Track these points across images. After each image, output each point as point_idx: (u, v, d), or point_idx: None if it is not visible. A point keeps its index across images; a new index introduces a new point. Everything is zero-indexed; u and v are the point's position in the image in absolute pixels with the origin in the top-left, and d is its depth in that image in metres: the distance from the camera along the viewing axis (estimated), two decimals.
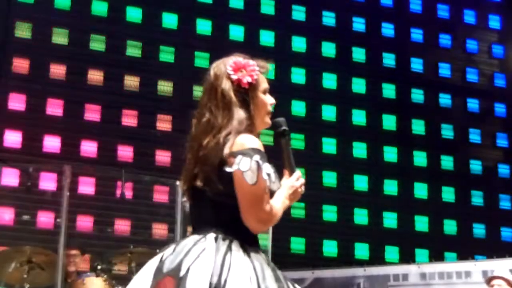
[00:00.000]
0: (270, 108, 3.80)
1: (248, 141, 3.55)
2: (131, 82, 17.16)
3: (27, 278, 8.71)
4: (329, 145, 19.16)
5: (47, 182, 12.79)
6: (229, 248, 3.42)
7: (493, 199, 19.93)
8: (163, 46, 17.65)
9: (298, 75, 19.05)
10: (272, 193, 3.59)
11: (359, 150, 19.36)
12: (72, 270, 9.83)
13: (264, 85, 3.79)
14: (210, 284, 3.30)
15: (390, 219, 18.96)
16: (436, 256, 18.02)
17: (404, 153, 19.65)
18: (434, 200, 19.45)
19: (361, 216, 18.79)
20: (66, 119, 16.28)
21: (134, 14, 17.59)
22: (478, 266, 12.53)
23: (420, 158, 19.75)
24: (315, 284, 13.12)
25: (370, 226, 18.77)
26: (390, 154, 19.57)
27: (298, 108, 18.90)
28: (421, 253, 18.20)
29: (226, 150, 3.55)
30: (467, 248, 18.15)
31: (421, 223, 19.16)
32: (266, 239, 11.95)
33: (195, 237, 3.57)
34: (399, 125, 19.80)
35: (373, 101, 19.68)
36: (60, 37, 16.96)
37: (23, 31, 16.42)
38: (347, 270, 13.61)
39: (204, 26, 18.28)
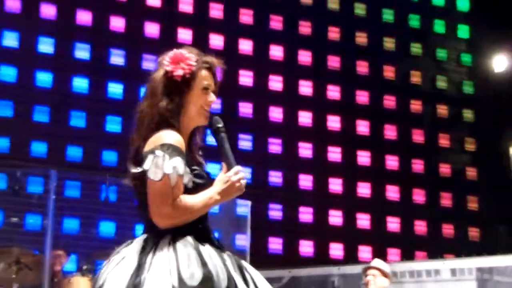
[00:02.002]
0: (206, 106, 3.58)
1: (163, 136, 3.42)
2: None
3: (16, 278, 8.72)
4: (305, 150, 19.29)
5: (34, 185, 12.82)
6: (155, 246, 3.36)
7: (461, 201, 20.11)
8: (113, 49, 17.65)
9: (275, 82, 19.14)
10: (196, 187, 3.43)
11: (334, 154, 19.49)
12: (58, 269, 9.85)
13: (205, 82, 3.59)
14: (128, 286, 3.26)
15: (363, 220, 19.10)
16: (407, 255, 18.27)
17: (376, 157, 19.81)
18: (405, 202, 19.61)
19: (336, 218, 18.93)
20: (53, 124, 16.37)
21: (84, 17, 17.52)
22: (446, 265, 12.59)
23: (392, 162, 19.91)
24: (292, 282, 13.16)
25: (344, 227, 18.91)
26: (364, 158, 19.72)
27: (276, 114, 19.03)
28: (393, 252, 18.36)
29: (142, 147, 3.45)
30: (436, 248, 18.31)
31: (393, 224, 19.32)
32: (244, 240, 12.02)
33: (127, 243, 3.50)
34: (372, 130, 19.96)
35: (348, 107, 19.83)
36: (10, 40, 17.03)
37: None
38: (323, 269, 13.65)
39: (152, 29, 18.28)
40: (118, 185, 12.03)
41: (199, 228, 3.50)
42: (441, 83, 21.14)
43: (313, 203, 18.78)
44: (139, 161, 3.43)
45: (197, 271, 3.30)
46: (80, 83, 17.09)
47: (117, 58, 17.60)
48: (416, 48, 21.10)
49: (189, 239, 3.41)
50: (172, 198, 3.36)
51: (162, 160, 3.35)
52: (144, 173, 3.37)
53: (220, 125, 3.60)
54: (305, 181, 18.94)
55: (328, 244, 18.53)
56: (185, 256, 3.34)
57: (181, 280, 3.27)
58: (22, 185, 11.60)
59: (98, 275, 3.44)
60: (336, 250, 18.55)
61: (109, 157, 16.70)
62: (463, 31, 21.73)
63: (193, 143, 3.67)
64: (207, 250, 3.42)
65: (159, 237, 3.42)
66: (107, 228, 14.18)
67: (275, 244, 18.04)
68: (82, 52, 17.31)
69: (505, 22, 19.37)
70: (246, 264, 3.56)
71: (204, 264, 3.34)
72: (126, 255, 3.43)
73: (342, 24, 20.39)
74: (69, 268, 10.62)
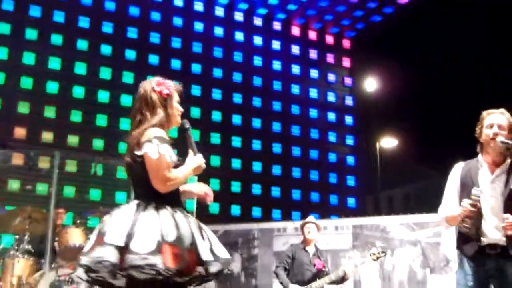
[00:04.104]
0: (180, 113, 3.86)
1: (153, 132, 3.62)
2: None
3: (28, 229, 8.54)
4: (236, 142, 19.22)
5: (44, 163, 12.54)
6: (145, 208, 3.50)
7: (343, 179, 20.28)
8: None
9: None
10: (175, 166, 3.64)
11: (257, 145, 19.47)
12: (59, 223, 9.67)
13: (176, 97, 3.86)
14: (126, 234, 3.38)
15: (275, 192, 19.13)
16: (304, 216, 18.21)
17: (285, 148, 19.86)
18: (305, 179, 19.71)
19: (256, 189, 18.91)
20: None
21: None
22: (332, 223, 12.68)
23: (296, 152, 19.96)
24: (225, 234, 13.09)
25: (262, 196, 18.91)
26: (277, 148, 19.73)
27: (216, 116, 18.88)
28: (296, 214, 18.38)
29: (140, 139, 3.63)
30: (325, 211, 18.48)
31: (297, 194, 19.38)
32: (192, 204, 11.93)
33: (125, 204, 3.66)
34: (282, 129, 20.00)
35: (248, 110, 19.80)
36: None
37: None
38: (246, 225, 13.64)
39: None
40: (104, 164, 11.86)
41: (175, 201, 3.65)
42: (331, 97, 21.25)
43: (241, 179, 18.75)
44: (137, 149, 3.60)
45: (172, 231, 3.44)
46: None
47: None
48: (314, 73, 21.16)
49: (168, 207, 3.55)
50: (168, 170, 3.54)
51: (157, 145, 3.54)
52: (142, 156, 3.55)
53: (187, 126, 3.88)
54: (235, 163, 18.88)
55: (251, 206, 18.52)
56: (165, 219, 3.47)
57: (162, 236, 3.39)
58: (35, 162, 11.38)
59: (103, 225, 3.53)
60: (256, 211, 18.56)
61: (98, 143, 16.49)
62: (346, 61, 21.92)
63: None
64: (179, 216, 3.55)
65: (147, 203, 3.55)
66: (95, 194, 13.99)
67: (214, 207, 17.96)
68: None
69: (376, 56, 19.65)
70: (203, 226, 3.72)
71: (177, 226, 3.47)
72: (125, 212, 3.54)
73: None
74: (67, 222, 10.41)
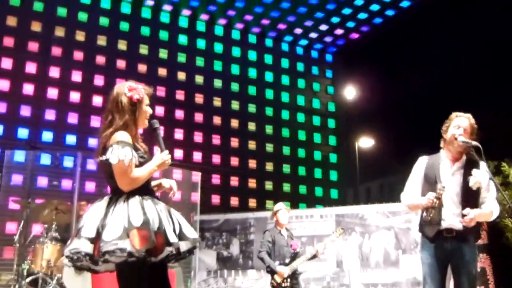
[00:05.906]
0: (148, 116, 3.74)
1: (118, 136, 3.53)
2: None
3: (55, 219, 8.55)
4: (234, 143, 19.10)
5: (68, 162, 12.51)
6: (116, 201, 3.45)
7: (327, 174, 20.23)
8: None
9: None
10: (141, 163, 3.57)
11: (252, 145, 19.38)
12: (82, 214, 9.67)
13: (147, 101, 3.74)
14: (98, 226, 3.36)
15: (268, 185, 19.07)
16: (294, 206, 18.13)
17: (277, 147, 19.79)
18: (294, 174, 19.67)
19: (252, 183, 18.84)
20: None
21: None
22: (317, 212, 12.71)
23: (286, 151, 19.87)
24: (225, 222, 13.09)
25: (257, 189, 18.88)
26: (269, 148, 19.64)
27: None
28: (286, 205, 18.26)
29: (106, 143, 3.56)
30: (312, 201, 18.50)
31: (287, 187, 19.34)
32: (196, 196, 11.88)
33: (99, 199, 3.61)
34: (274, 131, 19.92)
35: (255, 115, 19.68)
36: None
37: None
38: (243, 214, 13.63)
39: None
40: None
41: (145, 190, 3.56)
42: (315, 104, 21.24)
43: (238, 174, 18.71)
44: (103, 153, 3.54)
45: (139, 217, 3.36)
46: None
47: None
48: (301, 83, 21.11)
49: (137, 197, 3.47)
50: (128, 172, 3.45)
51: (117, 150, 3.45)
52: (107, 160, 3.47)
53: (156, 126, 3.76)
54: (234, 161, 18.82)
55: (247, 198, 18.49)
56: (132, 207, 3.40)
57: (129, 222, 3.33)
58: (60, 162, 11.36)
59: (80, 220, 3.51)
60: (252, 202, 18.53)
61: None
62: (329, 73, 21.93)
63: (139, 137, 3.76)
64: (148, 204, 3.47)
65: (118, 196, 3.50)
66: None
67: (215, 199, 17.95)
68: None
69: (355, 69, 19.72)
70: (173, 211, 3.64)
71: (144, 213, 3.39)
72: (98, 207, 3.50)
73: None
74: None
